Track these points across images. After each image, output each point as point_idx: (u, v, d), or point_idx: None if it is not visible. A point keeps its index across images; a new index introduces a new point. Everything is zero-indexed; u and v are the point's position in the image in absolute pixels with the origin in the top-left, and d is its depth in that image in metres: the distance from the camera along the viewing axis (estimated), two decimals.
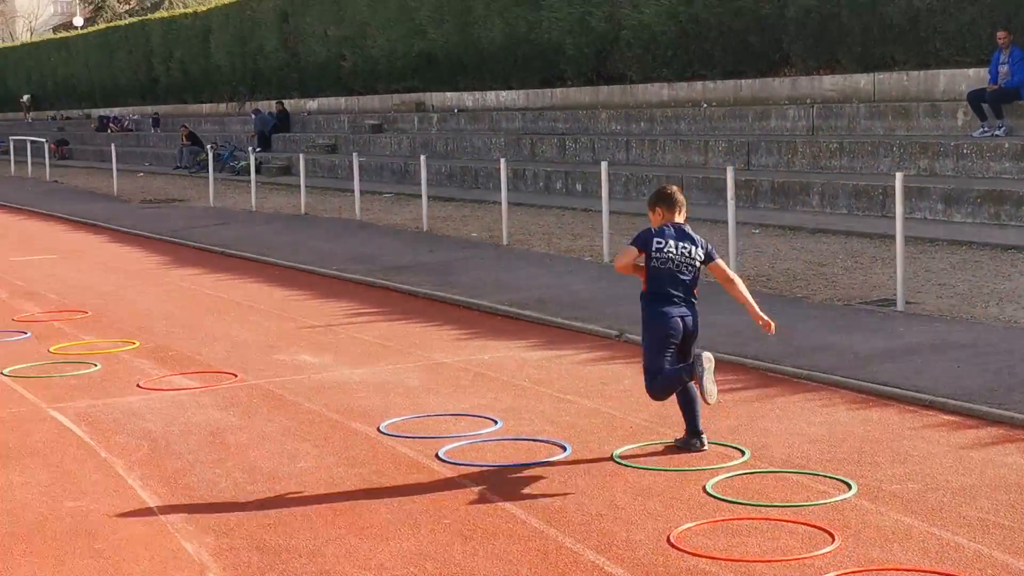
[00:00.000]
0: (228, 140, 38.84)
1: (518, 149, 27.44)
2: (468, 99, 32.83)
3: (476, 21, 31.75)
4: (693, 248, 7.40)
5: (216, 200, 26.25)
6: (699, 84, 25.64)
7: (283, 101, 39.27)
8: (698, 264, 7.43)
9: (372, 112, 36.25)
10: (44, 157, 39.40)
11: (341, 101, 38.58)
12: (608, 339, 11.01)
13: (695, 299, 7.46)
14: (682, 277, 7.38)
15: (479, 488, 6.95)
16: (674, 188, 7.73)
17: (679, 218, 7.52)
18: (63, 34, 69.92)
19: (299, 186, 24.12)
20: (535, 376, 9.68)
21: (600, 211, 15.89)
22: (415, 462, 7.50)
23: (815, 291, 12.62)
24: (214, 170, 27.82)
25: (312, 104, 39.96)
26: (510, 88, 31.31)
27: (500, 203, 22.38)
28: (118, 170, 32.52)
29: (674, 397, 7.52)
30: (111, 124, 51.11)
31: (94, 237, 21.47)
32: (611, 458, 7.40)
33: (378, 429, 8.23)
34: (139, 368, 10.49)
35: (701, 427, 7.49)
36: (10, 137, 47.10)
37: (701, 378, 7.07)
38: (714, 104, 24.80)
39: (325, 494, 6.95)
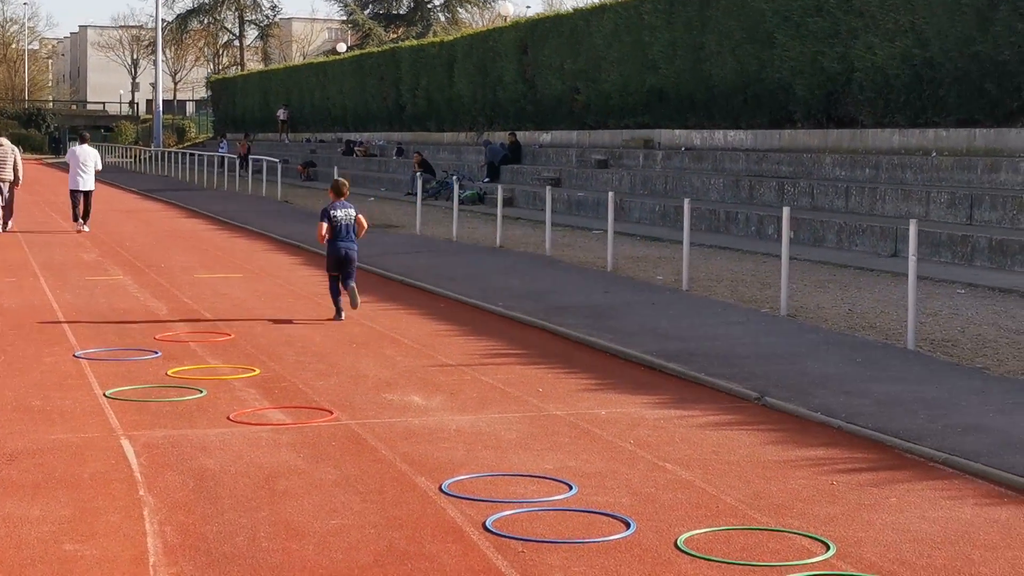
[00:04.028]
0: (460, 169, 38.78)
1: (736, 191, 26.36)
2: (696, 137, 31.86)
3: (708, 57, 30.80)
4: (350, 211, 14.13)
5: (424, 229, 25.97)
6: (931, 132, 24.10)
7: (515, 133, 39.01)
8: (352, 219, 14.09)
9: (602, 147, 35.62)
10: (277, 176, 39.91)
11: (573, 135, 38.07)
12: (746, 401, 10.00)
13: (355, 238, 14.07)
14: (346, 227, 14.05)
15: (513, 567, 6.13)
16: (341, 180, 14.50)
17: (343, 197, 14.16)
18: (321, 59, 71.74)
19: (519, 218, 23.67)
20: (643, 438, 8.77)
21: (806, 260, 14.84)
22: (458, 530, 6.72)
23: (1001, 361, 11.29)
24: (441, 199, 27.55)
25: (546, 137, 39.59)
26: (738, 128, 30.23)
27: (704, 245, 21.53)
28: (352, 194, 32.57)
29: None
30: (356, 148, 51.90)
31: (289, 259, 21.35)
32: (675, 544, 6.48)
33: (439, 487, 7.48)
34: (242, 398, 10.00)
35: (341, 308, 14.01)
36: (250, 157, 48.20)
37: (354, 298, 13.90)
38: (945, 153, 23.24)
39: (341, 559, 6.24)
